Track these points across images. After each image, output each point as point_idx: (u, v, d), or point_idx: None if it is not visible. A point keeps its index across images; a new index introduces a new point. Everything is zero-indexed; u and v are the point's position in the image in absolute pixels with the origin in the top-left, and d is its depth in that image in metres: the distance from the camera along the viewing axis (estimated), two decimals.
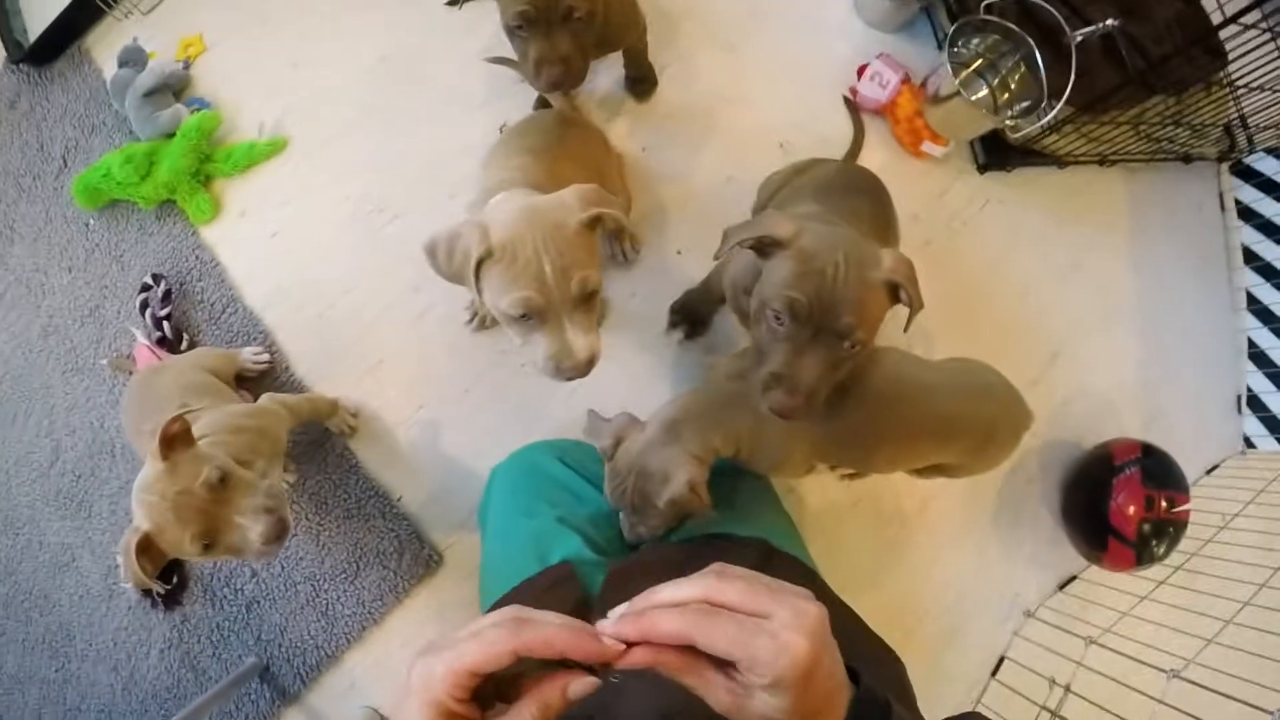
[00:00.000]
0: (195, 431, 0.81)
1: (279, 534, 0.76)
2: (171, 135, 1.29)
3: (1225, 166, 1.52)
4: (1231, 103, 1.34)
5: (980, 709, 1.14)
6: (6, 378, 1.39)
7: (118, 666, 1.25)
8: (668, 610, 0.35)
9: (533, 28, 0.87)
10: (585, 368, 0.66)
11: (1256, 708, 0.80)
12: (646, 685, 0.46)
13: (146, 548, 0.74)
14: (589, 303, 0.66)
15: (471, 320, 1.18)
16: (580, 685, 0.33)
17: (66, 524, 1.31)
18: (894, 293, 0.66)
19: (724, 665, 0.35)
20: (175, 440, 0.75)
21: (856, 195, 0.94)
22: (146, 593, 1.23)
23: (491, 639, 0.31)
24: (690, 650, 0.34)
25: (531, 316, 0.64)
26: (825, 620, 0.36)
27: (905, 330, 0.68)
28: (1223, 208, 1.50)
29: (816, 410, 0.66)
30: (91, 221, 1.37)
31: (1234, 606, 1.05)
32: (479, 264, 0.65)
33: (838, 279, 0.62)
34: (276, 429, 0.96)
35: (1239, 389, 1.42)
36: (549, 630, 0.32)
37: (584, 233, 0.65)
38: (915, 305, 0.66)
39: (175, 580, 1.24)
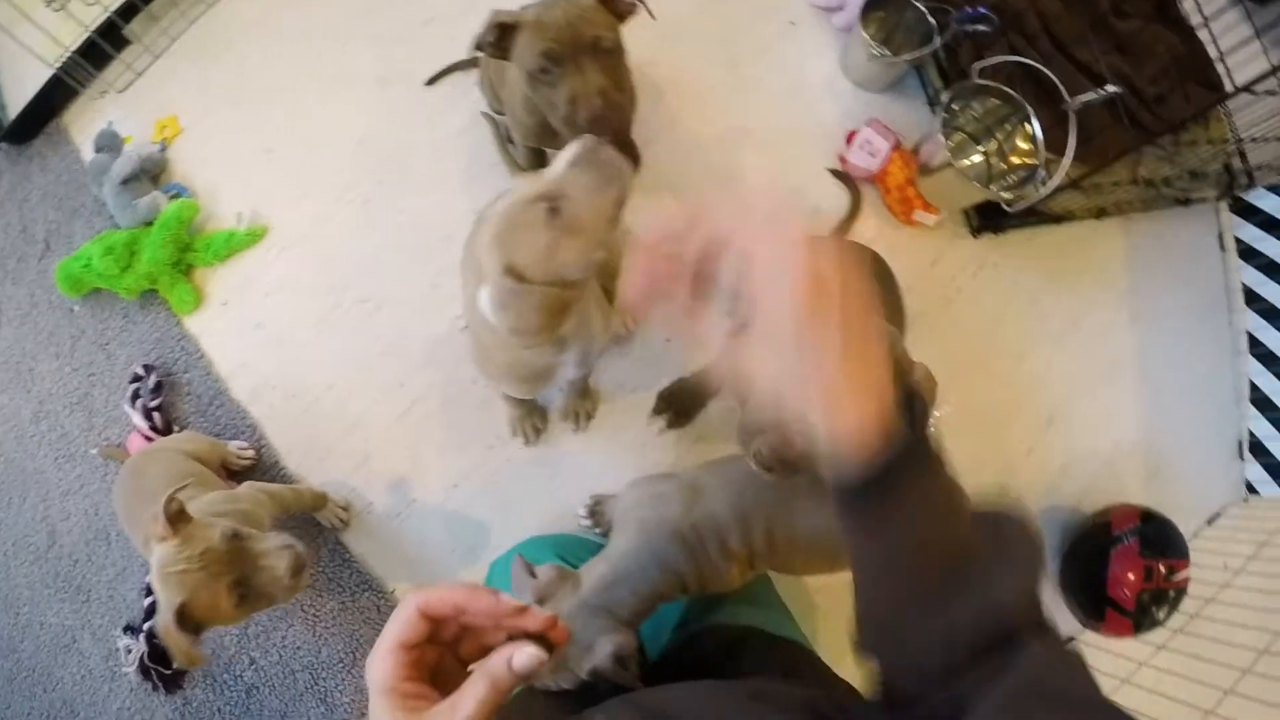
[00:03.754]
0: None
1: (301, 566, 0.83)
2: (151, 223, 1.27)
3: (1225, 205, 1.48)
4: (1233, 147, 1.31)
5: None
6: (0, 461, 1.39)
7: None
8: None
9: (560, 66, 0.83)
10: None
11: None
12: None
13: (183, 621, 0.77)
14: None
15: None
16: (524, 656, 0.32)
17: (66, 606, 1.32)
18: None
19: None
20: (177, 517, 0.79)
21: None
22: (147, 675, 1.23)
23: (400, 608, 0.33)
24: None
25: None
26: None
27: None
28: (1223, 248, 1.47)
29: None
30: (76, 308, 1.36)
31: (1234, 674, 1.04)
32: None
33: None
34: (258, 514, 0.97)
35: (1240, 434, 1.40)
36: (444, 586, 0.34)
37: None
38: None
39: (176, 665, 1.24)
